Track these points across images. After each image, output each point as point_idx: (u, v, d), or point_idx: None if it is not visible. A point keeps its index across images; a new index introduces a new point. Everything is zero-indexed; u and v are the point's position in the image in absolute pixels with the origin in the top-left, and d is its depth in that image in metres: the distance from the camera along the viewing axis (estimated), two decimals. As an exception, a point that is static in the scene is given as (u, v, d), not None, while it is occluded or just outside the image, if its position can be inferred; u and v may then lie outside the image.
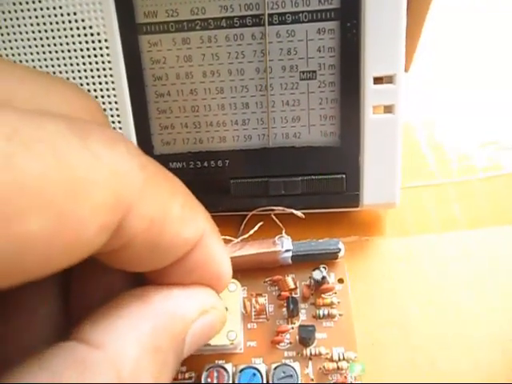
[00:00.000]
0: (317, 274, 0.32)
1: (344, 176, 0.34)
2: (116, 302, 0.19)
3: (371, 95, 0.32)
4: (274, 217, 0.34)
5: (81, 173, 0.15)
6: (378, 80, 0.32)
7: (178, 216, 0.20)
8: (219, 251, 0.23)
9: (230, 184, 0.34)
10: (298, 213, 0.33)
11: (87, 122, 0.17)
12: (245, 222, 0.34)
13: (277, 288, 0.34)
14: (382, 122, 0.33)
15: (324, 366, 0.30)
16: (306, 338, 0.30)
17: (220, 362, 0.30)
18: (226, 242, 0.33)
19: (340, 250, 0.33)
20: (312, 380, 0.30)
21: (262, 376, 0.29)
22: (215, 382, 0.29)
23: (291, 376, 0.29)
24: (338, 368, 0.30)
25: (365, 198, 0.34)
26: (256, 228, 0.33)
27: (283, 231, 0.34)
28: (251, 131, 0.34)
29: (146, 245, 0.18)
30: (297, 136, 0.34)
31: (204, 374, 0.29)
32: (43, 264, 0.14)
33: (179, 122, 0.34)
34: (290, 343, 0.32)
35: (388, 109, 0.32)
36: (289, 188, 0.34)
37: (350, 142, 0.33)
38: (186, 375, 0.31)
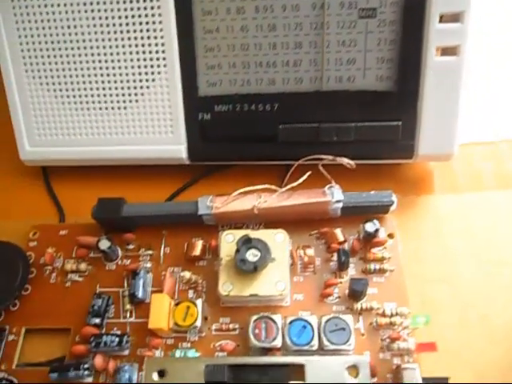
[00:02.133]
0: (369, 227, 0.31)
1: (400, 123, 0.31)
2: None
3: (436, 35, 0.29)
4: (321, 168, 0.32)
5: None
6: (444, 18, 0.29)
7: None
8: None
9: (278, 129, 0.32)
10: (350, 161, 0.31)
11: None
12: (291, 171, 0.32)
13: (323, 242, 0.33)
14: (445, 65, 0.30)
15: (376, 321, 0.29)
16: (358, 291, 0.29)
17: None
18: (271, 191, 0.31)
19: (393, 202, 0.31)
20: (363, 335, 0.29)
21: (312, 328, 0.28)
22: (263, 333, 0.28)
23: (344, 329, 0.28)
24: (391, 323, 0.29)
25: (420, 148, 0.32)
26: (305, 177, 0.31)
27: (333, 182, 0.32)
28: (303, 73, 0.31)
29: None
30: (351, 80, 0.31)
31: (251, 325, 0.28)
32: None
33: (227, 61, 0.31)
34: (339, 297, 0.31)
35: (453, 50, 0.30)
36: (341, 134, 0.32)
37: (408, 86, 0.31)
38: (230, 326, 0.30)
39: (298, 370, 0.26)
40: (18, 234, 0.34)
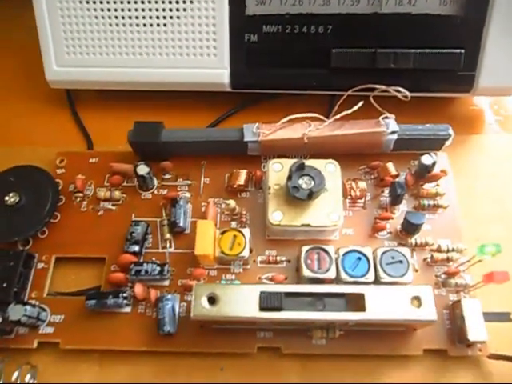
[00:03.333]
0: (426, 159, 0.29)
1: (462, 51, 0.29)
2: None
3: (510, -46, 0.27)
4: (372, 100, 0.30)
5: None
6: None
7: None
8: None
9: (330, 54, 0.30)
10: (405, 92, 0.29)
11: None
12: (341, 100, 0.30)
13: (372, 177, 0.31)
14: (518, -12, 0.28)
15: (432, 257, 0.28)
16: (415, 224, 0.27)
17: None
18: (320, 121, 0.29)
19: (450, 135, 0.30)
20: (417, 271, 0.28)
21: (368, 260, 0.26)
22: (316, 264, 0.26)
23: (401, 262, 0.26)
24: (448, 259, 0.28)
25: (480, 80, 0.30)
26: (358, 105, 0.29)
27: (386, 113, 0.30)
28: (360, -7, 0.29)
29: None
30: (412, 2, 0.29)
31: (303, 255, 0.26)
32: None
33: (279, -25, 0.29)
34: (390, 233, 0.29)
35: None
36: (399, 61, 0.29)
37: (475, 11, 0.29)
38: (278, 259, 0.28)
39: (357, 300, 0.24)
40: (43, 161, 0.32)
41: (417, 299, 0.24)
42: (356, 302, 0.24)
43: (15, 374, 0.25)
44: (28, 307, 0.25)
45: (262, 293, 0.24)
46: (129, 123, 0.30)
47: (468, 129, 0.34)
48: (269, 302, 0.24)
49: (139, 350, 0.26)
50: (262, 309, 0.24)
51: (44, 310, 0.27)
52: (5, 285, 0.27)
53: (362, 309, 0.24)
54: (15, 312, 0.25)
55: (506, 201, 0.31)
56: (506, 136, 0.33)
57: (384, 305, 0.24)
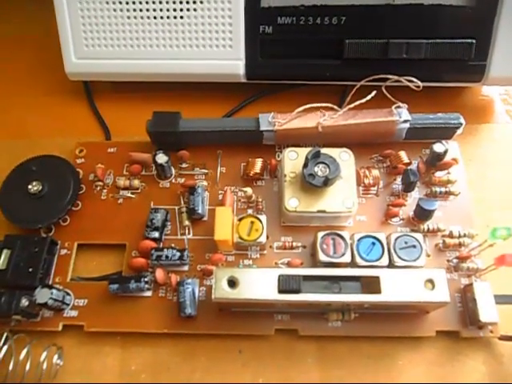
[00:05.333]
0: (438, 147, 0.30)
1: (474, 41, 0.30)
2: None
3: None
4: (384, 90, 0.31)
5: None
6: None
7: None
8: None
9: (344, 45, 0.31)
10: (417, 81, 0.30)
11: None
12: (354, 90, 0.31)
13: (385, 165, 0.32)
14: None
15: (444, 242, 0.28)
16: (428, 210, 0.28)
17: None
18: (334, 111, 0.30)
19: (461, 124, 0.30)
20: (429, 256, 0.28)
21: (382, 245, 0.27)
22: (331, 248, 0.27)
23: (414, 246, 0.27)
24: (460, 244, 0.28)
25: (491, 70, 0.31)
26: (372, 95, 0.30)
27: (399, 103, 0.30)
28: (373, -16, 0.30)
29: None
30: (424, -7, 0.30)
31: (319, 241, 0.27)
32: None
33: (294, -33, 0.30)
34: (403, 219, 0.30)
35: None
36: (411, 51, 0.30)
37: (486, 2, 0.29)
38: (293, 244, 0.29)
39: (372, 283, 0.25)
40: (63, 151, 0.33)
41: (430, 282, 0.25)
42: (371, 285, 0.25)
43: (43, 355, 0.26)
44: (54, 290, 0.26)
45: (280, 276, 0.25)
46: (145, 114, 0.31)
47: (478, 118, 0.34)
48: (287, 284, 0.24)
49: (160, 332, 0.27)
50: (281, 291, 0.24)
51: (68, 294, 0.28)
52: (30, 270, 0.28)
53: (378, 291, 0.25)
54: (42, 295, 0.26)
55: (516, 188, 0.32)
56: (515, 125, 0.34)
57: (399, 287, 0.25)
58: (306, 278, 0.25)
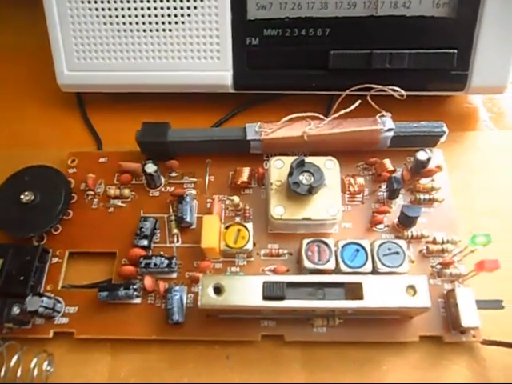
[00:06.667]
0: (422, 155, 0.30)
1: (455, 51, 0.31)
2: None
3: (498, -43, 0.29)
4: (369, 99, 0.31)
5: None
6: None
7: None
8: None
9: (328, 56, 0.31)
10: (401, 91, 0.30)
11: None
12: (339, 100, 0.31)
13: (370, 173, 0.32)
14: (506, -8, 0.29)
15: (427, 248, 0.29)
16: (411, 217, 0.29)
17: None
18: (319, 120, 0.31)
19: (445, 132, 0.31)
20: (413, 262, 0.29)
21: (366, 252, 0.28)
22: (316, 255, 0.28)
23: (397, 253, 0.28)
24: (443, 250, 0.29)
25: (473, 79, 0.31)
26: (356, 105, 0.30)
27: (383, 111, 0.31)
28: (357, -3, 0.30)
29: None
30: (406, 5, 0.30)
31: (304, 248, 0.28)
32: None
33: (278, -19, 0.30)
34: (387, 226, 0.30)
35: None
36: (394, 61, 0.31)
37: (467, 13, 0.30)
38: (280, 251, 0.29)
39: (355, 289, 0.25)
40: (55, 161, 0.33)
41: (412, 288, 0.25)
42: (354, 291, 0.26)
43: (34, 362, 0.26)
44: (44, 298, 0.27)
45: (265, 282, 0.25)
46: (136, 124, 0.32)
47: (463, 126, 0.35)
48: (272, 291, 0.25)
49: (149, 338, 0.28)
50: (265, 298, 0.25)
51: (59, 301, 0.29)
52: (22, 278, 0.28)
53: (360, 297, 0.25)
54: (33, 303, 0.27)
55: (499, 194, 0.32)
56: (499, 132, 0.35)
57: (381, 293, 0.25)
58: (290, 284, 0.25)
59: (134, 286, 0.28)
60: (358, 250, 0.28)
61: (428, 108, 0.35)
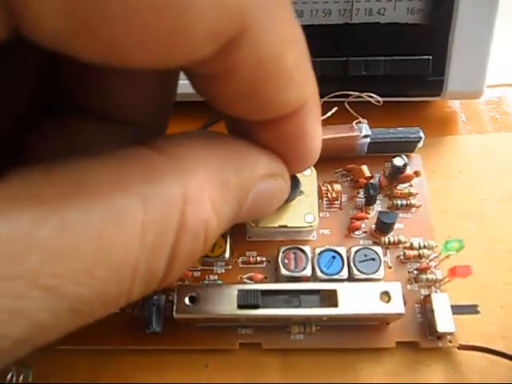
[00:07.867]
0: (398, 161, 0.30)
1: (430, 57, 0.31)
2: (195, 135, 0.18)
3: (470, -36, 0.29)
4: (347, 105, 0.32)
5: None
6: None
7: (288, 69, 0.16)
8: (315, 129, 0.20)
9: (305, 63, 0.31)
10: (377, 97, 0.31)
11: None
12: (317, 107, 0.32)
13: (348, 179, 0.32)
14: (480, -2, 0.29)
15: (404, 254, 0.29)
16: (387, 223, 0.29)
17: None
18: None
19: (421, 138, 0.31)
20: (390, 268, 0.29)
21: (342, 259, 0.28)
22: (293, 263, 0.28)
23: (373, 259, 0.28)
24: (420, 255, 0.29)
25: (449, 85, 0.32)
26: (332, 111, 0.30)
27: (360, 118, 0.31)
28: (332, 5, 0.31)
29: (244, 86, 0.16)
30: (381, 12, 0.31)
31: (280, 255, 0.28)
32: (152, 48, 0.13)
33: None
34: (365, 232, 0.30)
35: (487, -18, 0.29)
36: (370, 68, 0.31)
37: (441, 19, 0.30)
38: (258, 259, 0.30)
39: (330, 296, 0.26)
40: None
41: (386, 294, 0.25)
42: (329, 298, 0.26)
43: (10, 374, 0.26)
44: (21, 310, 0.27)
45: (239, 291, 0.25)
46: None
47: (441, 130, 0.35)
48: (246, 299, 0.25)
49: (128, 348, 0.28)
50: (240, 306, 0.25)
51: None
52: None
53: (335, 304, 0.25)
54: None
55: (477, 198, 0.32)
56: (476, 136, 0.35)
57: (355, 300, 0.25)
58: (265, 292, 0.26)
59: (112, 296, 0.28)
60: (334, 257, 0.28)
61: (408, 113, 0.35)
